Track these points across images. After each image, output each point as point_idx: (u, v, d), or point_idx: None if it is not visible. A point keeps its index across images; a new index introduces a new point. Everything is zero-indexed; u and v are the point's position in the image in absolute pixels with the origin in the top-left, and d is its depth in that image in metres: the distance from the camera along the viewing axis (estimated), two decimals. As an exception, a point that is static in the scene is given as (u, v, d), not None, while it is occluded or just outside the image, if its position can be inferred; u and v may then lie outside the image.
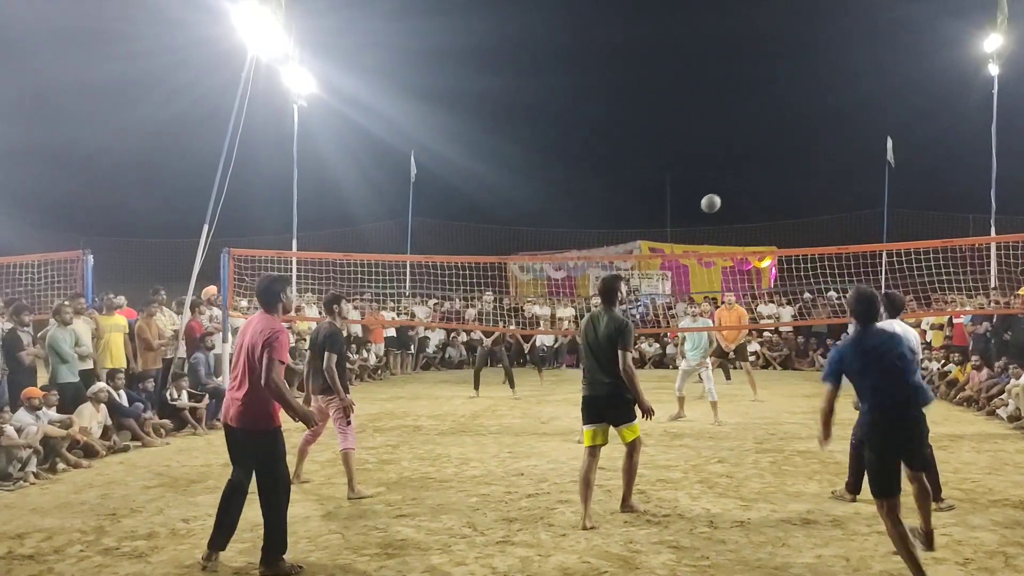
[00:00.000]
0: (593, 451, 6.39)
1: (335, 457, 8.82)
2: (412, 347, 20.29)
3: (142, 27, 24.57)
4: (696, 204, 12.85)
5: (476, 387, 14.65)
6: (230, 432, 5.42)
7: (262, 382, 5.17)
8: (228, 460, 5.56)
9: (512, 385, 14.69)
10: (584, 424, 6.49)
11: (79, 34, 26.26)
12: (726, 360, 14.62)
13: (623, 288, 6.94)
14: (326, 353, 7.28)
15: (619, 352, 6.33)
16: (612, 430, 6.46)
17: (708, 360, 11.76)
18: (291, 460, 8.02)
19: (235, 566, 5.33)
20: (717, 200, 11.92)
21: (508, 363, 15.33)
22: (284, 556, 5.26)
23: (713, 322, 13.17)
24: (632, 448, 6.49)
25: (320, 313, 17.06)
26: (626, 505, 6.57)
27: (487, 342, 15.46)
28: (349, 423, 7.35)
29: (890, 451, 4.94)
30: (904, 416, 4.96)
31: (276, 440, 5.34)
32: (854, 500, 6.76)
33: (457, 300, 20.87)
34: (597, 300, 9.99)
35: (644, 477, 7.77)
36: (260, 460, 5.33)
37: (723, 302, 14.74)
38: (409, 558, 5.47)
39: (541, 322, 19.94)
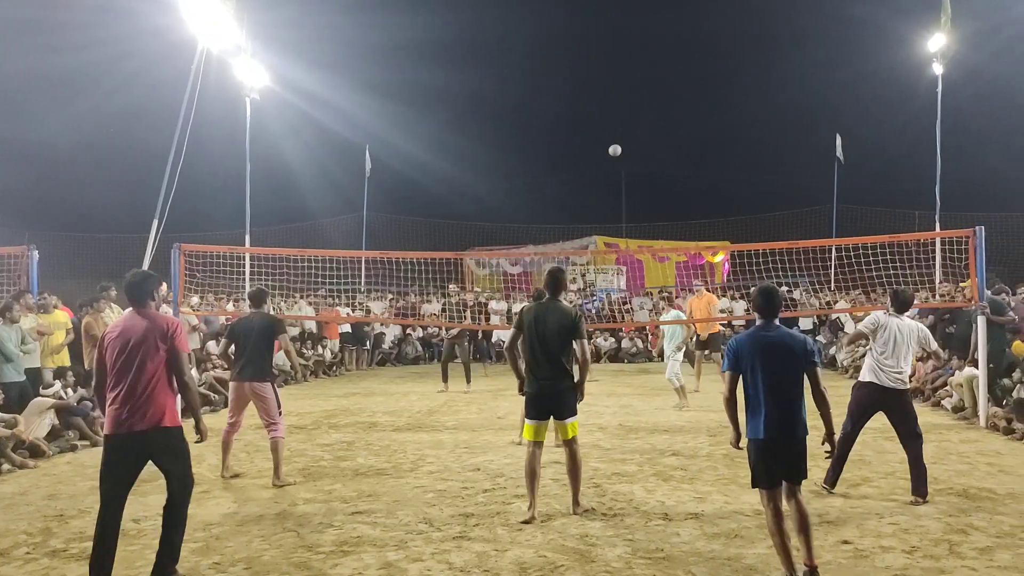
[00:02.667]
0: (537, 445, 6.38)
1: (289, 455, 8.75)
2: (368, 343, 20.17)
3: (88, 16, 23.96)
4: (651, 201, 13.02)
5: (444, 380, 14.73)
6: (136, 441, 4.91)
7: (183, 376, 5.03)
8: None
9: (468, 379, 14.72)
10: (528, 419, 6.41)
11: (23, 24, 25.55)
12: (701, 352, 14.78)
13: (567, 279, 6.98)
14: (278, 339, 7.66)
15: (577, 343, 6.33)
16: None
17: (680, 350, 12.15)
18: (245, 459, 7.96)
19: (187, 565, 5.26)
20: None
21: (467, 357, 15.34)
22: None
23: (684, 312, 13.35)
24: (572, 446, 6.41)
25: (274, 309, 16.90)
26: (577, 507, 6.43)
27: (452, 332, 15.47)
28: (281, 412, 7.62)
29: (769, 464, 4.94)
30: (790, 436, 4.89)
31: (183, 437, 5.09)
32: (831, 492, 6.89)
33: (413, 295, 20.82)
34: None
35: (599, 471, 7.84)
36: (180, 460, 5.03)
37: (692, 291, 14.95)
38: (365, 555, 5.44)
39: (497, 317, 19.95)
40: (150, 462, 5.05)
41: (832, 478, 6.90)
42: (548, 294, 6.59)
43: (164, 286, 13.35)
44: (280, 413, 7.59)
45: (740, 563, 5.22)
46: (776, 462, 4.91)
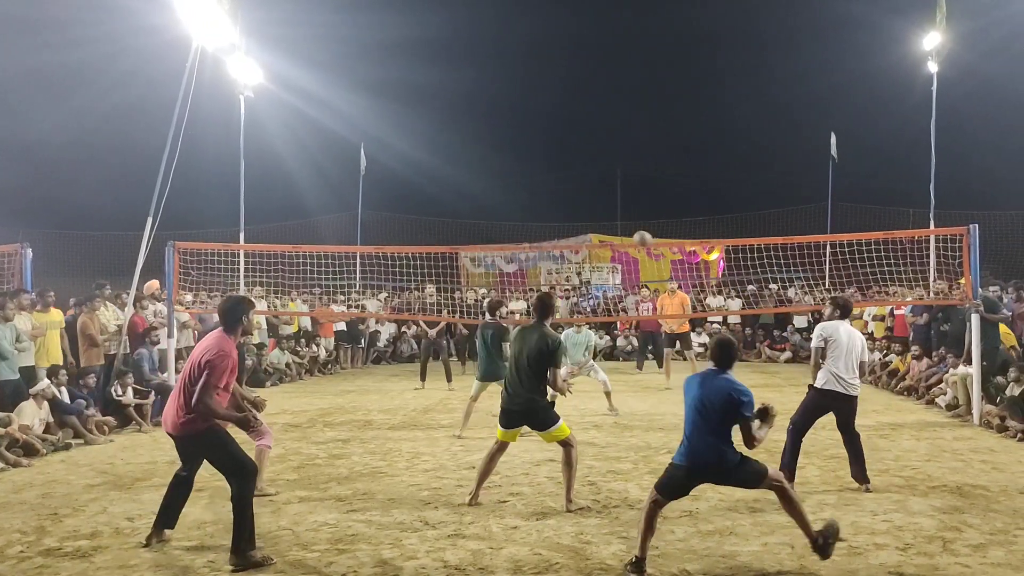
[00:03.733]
0: (503, 444, 6.77)
1: (284, 453, 8.75)
2: (363, 341, 20.14)
3: (82, 14, 23.88)
4: (645, 197, 13.04)
5: (423, 379, 14.82)
6: (172, 437, 5.50)
7: (192, 401, 5.19)
8: (174, 457, 5.51)
9: (449, 378, 14.86)
10: (500, 425, 6.73)
11: (16, 21, 25.46)
12: (672, 349, 14.91)
13: (557, 305, 7.11)
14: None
15: (550, 371, 6.49)
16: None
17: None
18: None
19: (182, 564, 5.25)
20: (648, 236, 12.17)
21: (447, 356, 15.43)
22: (254, 549, 5.20)
23: (655, 309, 13.40)
24: (567, 444, 6.53)
25: (270, 307, 16.88)
26: (570, 503, 6.48)
27: (432, 333, 15.50)
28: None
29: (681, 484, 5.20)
30: (702, 468, 5.12)
31: (216, 432, 5.37)
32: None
33: (408, 292, 20.80)
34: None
35: (594, 469, 7.85)
36: (213, 454, 5.38)
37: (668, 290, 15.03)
38: (360, 553, 5.44)
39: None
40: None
41: (788, 468, 7.07)
42: (536, 317, 6.77)
43: (156, 283, 13.37)
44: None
45: (734, 560, 5.23)
46: (689, 483, 5.21)
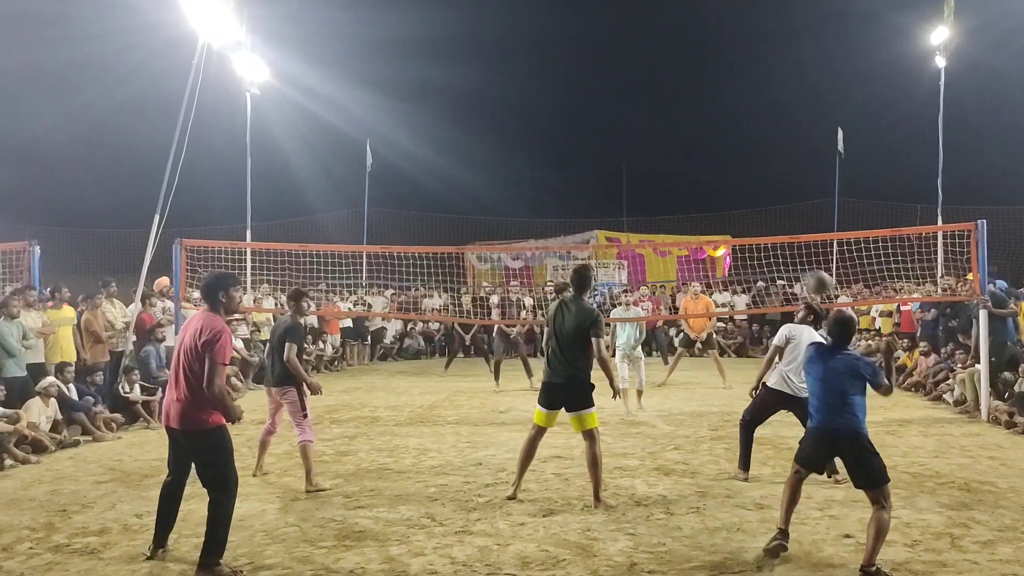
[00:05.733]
0: (541, 429, 6.66)
1: (291, 449, 8.75)
2: (367, 338, 20.16)
3: (88, 11, 23.92)
4: (653, 193, 13.00)
5: (497, 379, 14.15)
6: (172, 433, 5.26)
7: (203, 385, 4.98)
8: None
9: (530, 374, 14.09)
10: (539, 405, 6.64)
11: (21, 17, 25.52)
12: (692, 348, 14.89)
13: (595, 278, 7.06)
14: (287, 344, 7.27)
15: (594, 340, 6.43)
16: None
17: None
18: (248, 453, 7.97)
19: (191, 560, 5.26)
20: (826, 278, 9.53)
21: (525, 353, 14.77)
22: (222, 560, 5.04)
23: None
24: (590, 438, 6.48)
25: (277, 305, 16.91)
26: (597, 501, 6.43)
27: (513, 332, 14.61)
28: (306, 415, 7.31)
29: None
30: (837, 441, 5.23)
31: (221, 438, 5.13)
32: (747, 479, 7.20)
33: (414, 289, 20.81)
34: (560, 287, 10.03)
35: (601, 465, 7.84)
36: (206, 460, 5.12)
37: (687, 291, 14.95)
38: (367, 549, 5.45)
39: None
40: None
41: (744, 462, 7.36)
42: (573, 290, 6.75)
43: (166, 280, 13.39)
44: (305, 416, 7.29)
45: (742, 557, 5.23)
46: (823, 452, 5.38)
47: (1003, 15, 19.83)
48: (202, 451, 5.14)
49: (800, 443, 5.40)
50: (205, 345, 5.00)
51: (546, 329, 6.78)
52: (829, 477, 6.94)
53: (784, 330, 7.37)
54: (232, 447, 5.23)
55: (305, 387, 7.33)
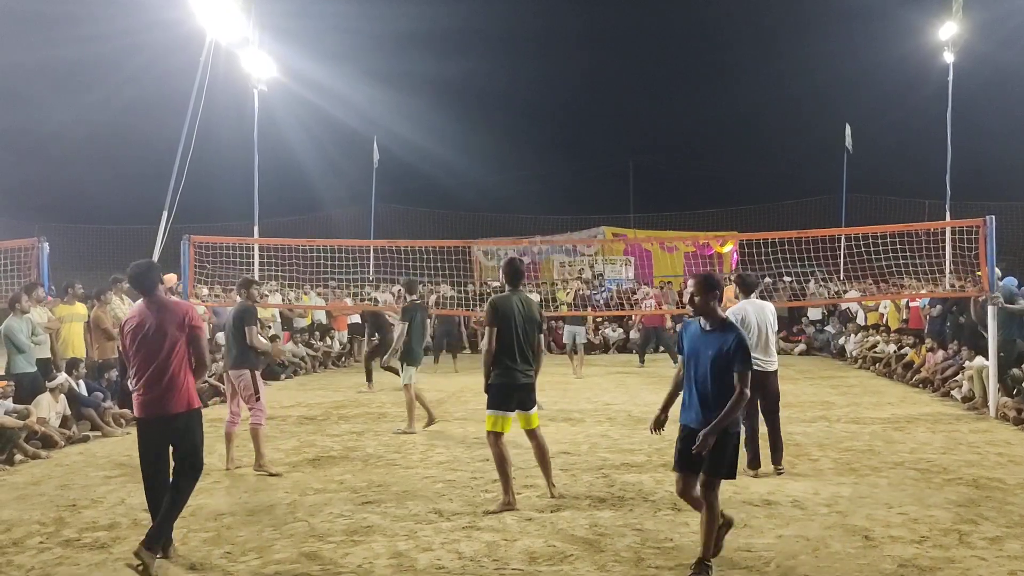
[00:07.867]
0: (501, 436, 6.31)
1: (300, 445, 8.80)
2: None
3: (97, 9, 24.04)
4: (659, 189, 12.97)
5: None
6: (156, 425, 5.22)
7: (203, 357, 5.29)
8: None
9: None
10: (500, 411, 6.29)
11: (32, 16, 25.63)
12: None
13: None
14: (246, 328, 7.56)
15: (540, 335, 6.44)
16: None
17: None
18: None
19: (199, 555, 5.29)
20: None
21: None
22: (160, 554, 5.05)
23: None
24: (539, 434, 6.54)
25: (284, 300, 16.98)
26: (553, 488, 6.55)
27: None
28: (259, 399, 7.57)
29: None
30: None
31: (199, 417, 5.36)
32: (756, 475, 7.16)
33: (422, 285, 20.81)
34: (559, 283, 10.05)
35: (608, 461, 7.86)
36: (192, 441, 5.27)
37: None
38: (375, 544, 5.46)
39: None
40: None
41: (752, 461, 7.25)
42: (509, 285, 6.49)
43: (175, 277, 13.44)
44: (257, 399, 7.54)
45: (749, 552, 5.23)
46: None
47: (1012, 11, 19.73)
48: (191, 432, 5.27)
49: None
50: (191, 327, 5.22)
51: (494, 328, 6.20)
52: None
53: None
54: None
55: (258, 373, 7.63)
